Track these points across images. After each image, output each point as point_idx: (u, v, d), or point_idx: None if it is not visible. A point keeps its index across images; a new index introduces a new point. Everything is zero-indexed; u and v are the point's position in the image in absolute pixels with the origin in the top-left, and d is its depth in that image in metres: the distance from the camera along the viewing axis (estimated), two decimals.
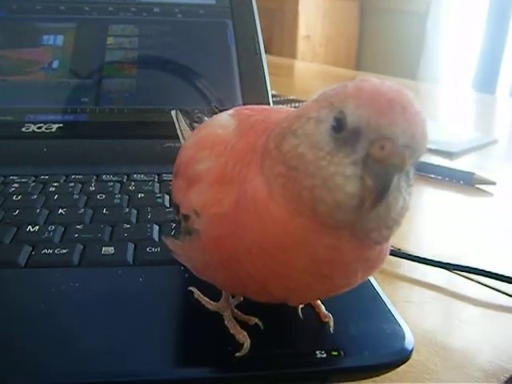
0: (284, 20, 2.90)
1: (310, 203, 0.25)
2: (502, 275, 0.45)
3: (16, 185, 0.50)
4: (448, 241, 0.54)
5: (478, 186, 0.68)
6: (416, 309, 0.42)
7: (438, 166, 0.71)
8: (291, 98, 1.02)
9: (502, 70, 2.58)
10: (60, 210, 0.46)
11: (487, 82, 2.56)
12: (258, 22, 0.68)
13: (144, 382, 0.30)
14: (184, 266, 0.35)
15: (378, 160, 0.24)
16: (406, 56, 2.81)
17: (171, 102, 0.61)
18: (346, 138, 0.24)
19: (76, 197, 0.48)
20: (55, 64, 0.63)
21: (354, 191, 0.24)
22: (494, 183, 0.67)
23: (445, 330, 0.40)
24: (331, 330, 0.33)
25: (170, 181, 0.51)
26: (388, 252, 0.29)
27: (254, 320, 0.33)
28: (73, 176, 0.53)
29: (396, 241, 0.48)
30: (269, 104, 0.63)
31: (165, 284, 0.37)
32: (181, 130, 0.45)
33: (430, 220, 0.59)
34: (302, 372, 0.31)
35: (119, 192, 0.50)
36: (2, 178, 0.52)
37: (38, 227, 0.43)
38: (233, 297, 0.35)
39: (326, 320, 0.33)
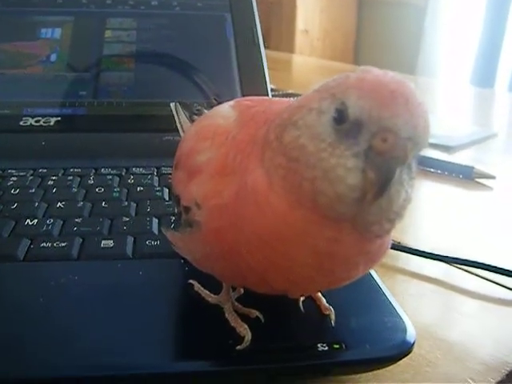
0: (282, 14, 2.89)
1: (311, 195, 0.25)
2: (501, 268, 0.45)
3: (14, 178, 0.50)
4: (447, 234, 0.54)
5: (477, 179, 0.67)
6: (416, 302, 0.42)
7: (438, 159, 0.70)
8: (289, 92, 1.02)
9: (500, 64, 2.58)
10: (59, 204, 0.46)
11: (485, 76, 2.56)
12: (256, 15, 0.67)
13: (144, 376, 0.30)
14: (184, 258, 0.34)
15: (380, 152, 0.23)
16: (404, 50, 2.81)
17: (170, 95, 0.60)
18: (348, 130, 0.24)
19: (74, 190, 0.48)
20: (53, 57, 0.63)
21: (355, 183, 0.24)
22: (493, 177, 0.67)
23: (445, 323, 0.40)
24: (332, 322, 0.33)
25: (169, 174, 0.51)
26: (389, 245, 0.29)
27: (255, 313, 0.33)
28: (71, 169, 0.53)
29: (396, 234, 0.48)
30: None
31: (164, 277, 0.37)
32: (180, 123, 0.44)
33: (429, 214, 0.59)
34: (304, 365, 0.31)
35: (118, 185, 0.50)
36: (0, 172, 0.52)
37: (36, 221, 0.43)
38: (233, 289, 0.34)
39: (327, 313, 0.33)
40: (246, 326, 0.31)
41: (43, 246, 0.40)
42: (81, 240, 0.41)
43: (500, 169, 0.70)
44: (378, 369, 0.32)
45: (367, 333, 0.32)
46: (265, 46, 0.66)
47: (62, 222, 0.43)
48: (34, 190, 0.48)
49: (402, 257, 0.48)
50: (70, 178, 0.51)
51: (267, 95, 0.63)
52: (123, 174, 0.53)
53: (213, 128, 0.32)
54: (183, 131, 0.43)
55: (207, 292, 0.35)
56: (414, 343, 0.32)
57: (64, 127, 0.59)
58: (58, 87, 0.61)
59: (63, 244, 0.40)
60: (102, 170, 0.53)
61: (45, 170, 0.52)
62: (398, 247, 0.48)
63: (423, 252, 0.47)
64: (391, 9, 2.97)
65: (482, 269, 0.46)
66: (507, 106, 1.24)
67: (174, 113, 0.46)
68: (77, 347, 0.30)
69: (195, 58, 0.65)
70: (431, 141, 0.77)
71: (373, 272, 0.38)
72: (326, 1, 2.98)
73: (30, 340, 0.31)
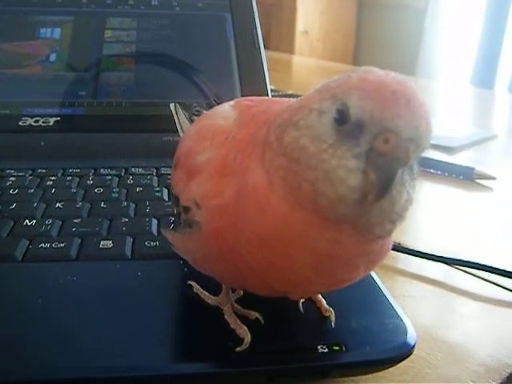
0: (282, 15, 2.89)
1: (311, 196, 0.24)
2: (502, 270, 0.45)
3: (13, 178, 0.50)
4: (448, 235, 0.53)
5: (477, 180, 0.67)
6: (416, 303, 0.42)
7: (438, 160, 0.70)
8: (289, 92, 1.02)
9: (500, 65, 2.58)
10: (57, 204, 0.45)
11: (485, 77, 2.56)
12: (257, 15, 0.67)
13: (144, 378, 0.29)
14: (183, 259, 0.34)
15: (382, 154, 0.23)
16: (404, 51, 2.81)
17: (169, 95, 0.60)
18: (349, 131, 0.24)
19: (73, 190, 0.48)
20: (53, 57, 0.63)
21: (356, 185, 0.23)
22: (493, 178, 0.66)
23: (445, 324, 0.40)
24: (332, 324, 0.33)
25: (169, 175, 0.51)
26: (390, 246, 0.29)
27: (255, 314, 0.33)
28: (70, 170, 0.53)
29: (396, 235, 0.48)
30: None
31: (164, 278, 0.37)
32: (180, 124, 0.44)
33: (429, 215, 0.59)
34: (304, 367, 0.30)
35: (117, 186, 0.50)
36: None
37: (35, 221, 0.43)
38: (233, 291, 0.34)
39: (328, 314, 0.33)
40: (245, 328, 0.31)
41: (42, 247, 0.39)
42: (79, 240, 0.41)
43: (500, 170, 0.70)
44: (379, 371, 0.32)
45: (367, 334, 0.32)
46: (265, 47, 0.66)
47: (60, 223, 0.43)
48: (32, 190, 0.48)
49: (402, 258, 0.48)
50: (69, 178, 0.51)
51: (267, 96, 0.63)
52: (122, 174, 0.52)
53: (212, 128, 0.32)
54: (183, 132, 0.43)
55: (206, 293, 0.35)
56: (414, 345, 0.32)
57: (63, 127, 0.59)
58: (57, 87, 0.61)
59: (62, 244, 0.40)
60: (101, 170, 0.53)
61: (44, 170, 0.52)
62: (399, 248, 0.48)
63: (423, 253, 0.47)
64: (391, 10, 2.97)
65: (483, 270, 0.46)
66: (507, 107, 1.24)
67: (174, 113, 0.46)
68: (75, 349, 0.30)
69: (195, 58, 0.65)
70: (431, 142, 0.78)
71: (373, 273, 0.38)
72: (326, 2, 2.98)
73: (29, 341, 0.31)
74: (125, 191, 0.49)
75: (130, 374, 0.29)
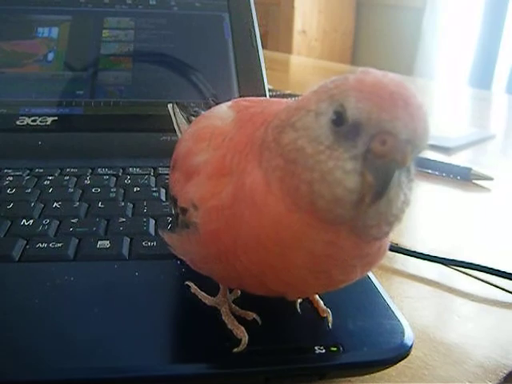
0: (280, 15, 2.89)
1: (308, 198, 0.24)
2: (499, 270, 0.45)
3: (10, 178, 0.50)
4: (445, 236, 0.54)
5: (475, 181, 0.67)
6: (414, 304, 0.42)
7: (435, 161, 0.70)
8: (287, 92, 1.02)
9: (498, 65, 2.58)
10: (55, 204, 0.45)
11: (483, 77, 2.56)
12: (254, 15, 0.67)
13: (140, 378, 0.29)
14: (181, 259, 0.34)
15: (379, 155, 0.23)
16: (402, 51, 2.81)
17: (167, 95, 0.60)
18: (347, 132, 0.24)
19: (71, 190, 0.48)
20: (50, 56, 0.63)
21: (353, 186, 0.23)
22: (491, 178, 0.66)
23: (443, 325, 0.40)
24: (330, 325, 0.33)
25: (166, 175, 0.51)
26: (387, 247, 0.29)
27: (252, 315, 0.33)
28: (67, 169, 0.53)
29: (393, 236, 0.48)
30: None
31: (161, 278, 0.37)
32: (177, 124, 0.44)
33: (427, 215, 0.59)
34: (301, 368, 0.30)
35: (115, 185, 0.50)
36: None
37: (32, 221, 0.42)
38: (230, 291, 0.34)
39: (325, 315, 0.33)
40: (242, 329, 0.31)
41: (39, 247, 0.39)
42: (77, 240, 0.40)
43: (497, 170, 0.70)
44: (376, 371, 0.32)
45: (365, 335, 0.32)
46: (262, 47, 0.66)
47: (58, 223, 0.43)
48: (30, 190, 0.47)
49: (399, 258, 0.48)
50: (67, 177, 0.50)
51: (265, 95, 0.63)
52: (120, 174, 0.52)
53: (210, 129, 0.32)
54: (180, 132, 0.43)
55: (204, 294, 0.35)
56: (411, 346, 0.32)
57: (61, 127, 0.58)
58: (54, 86, 0.61)
59: (59, 244, 0.40)
60: (99, 170, 0.53)
61: (41, 170, 0.52)
62: (396, 249, 0.48)
63: (421, 254, 0.47)
64: (389, 10, 2.97)
65: (480, 271, 0.46)
66: (505, 108, 1.24)
67: (172, 114, 0.45)
68: (73, 349, 0.30)
69: (193, 57, 0.64)
70: (429, 142, 0.78)
71: (370, 274, 0.38)
72: (323, 2, 2.98)
73: (26, 342, 0.30)
74: (122, 191, 0.48)
75: (127, 375, 0.29)
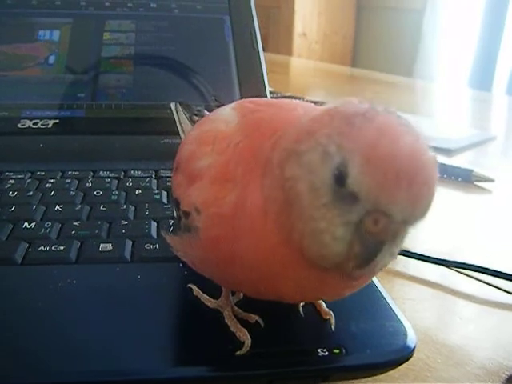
0: (280, 17, 2.90)
1: (298, 244, 0.25)
2: (501, 272, 0.45)
3: (12, 181, 0.50)
4: (446, 238, 0.54)
5: (476, 183, 0.67)
6: (415, 306, 0.42)
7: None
8: (287, 94, 1.02)
9: (498, 67, 2.58)
10: (57, 207, 0.45)
11: (483, 79, 2.56)
12: (255, 17, 0.67)
13: (143, 381, 0.29)
14: (183, 262, 0.34)
15: (370, 233, 0.23)
16: (403, 53, 2.81)
17: (168, 97, 0.60)
18: (345, 196, 0.23)
19: (73, 193, 0.48)
20: (51, 59, 0.63)
21: (339, 252, 0.24)
22: (492, 180, 0.66)
23: (445, 327, 0.40)
24: (332, 327, 0.33)
25: (168, 177, 0.51)
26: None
27: (255, 318, 0.32)
28: (69, 172, 0.52)
29: None
30: None
31: (163, 281, 0.37)
32: (180, 124, 0.44)
33: (428, 217, 0.59)
34: (304, 370, 0.30)
35: (116, 188, 0.50)
36: None
37: (34, 224, 0.42)
38: (233, 294, 0.34)
39: (327, 317, 0.33)
40: (245, 331, 0.31)
41: (41, 250, 0.39)
42: (79, 243, 0.40)
43: (499, 172, 0.70)
44: (379, 374, 0.32)
45: (368, 337, 0.32)
46: (263, 49, 0.66)
47: (60, 225, 0.43)
48: (31, 193, 0.47)
49: (400, 260, 0.48)
50: (68, 180, 0.50)
51: (266, 97, 0.63)
52: (121, 176, 0.52)
53: (214, 133, 0.32)
54: (183, 132, 0.43)
55: (206, 296, 0.34)
56: (414, 348, 0.32)
57: (62, 130, 0.58)
58: (56, 89, 0.61)
59: (61, 247, 0.40)
60: (101, 172, 0.53)
61: (43, 173, 0.52)
62: (399, 251, 0.48)
63: (422, 255, 0.47)
64: (389, 12, 2.98)
65: (482, 272, 0.46)
66: (505, 109, 1.24)
67: (174, 113, 0.45)
68: (74, 352, 0.30)
69: (194, 60, 0.65)
70: (430, 144, 0.78)
71: None
72: (324, 4, 2.99)
73: (28, 345, 0.30)
74: (124, 194, 0.48)
75: (130, 378, 0.29)
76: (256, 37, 0.66)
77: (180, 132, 0.44)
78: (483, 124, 1.05)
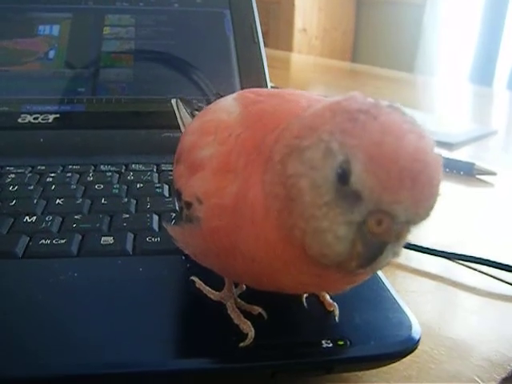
0: (280, 13, 2.89)
1: (300, 242, 0.24)
2: (503, 264, 0.45)
3: (12, 175, 0.50)
4: (449, 230, 0.53)
5: (478, 176, 0.67)
6: (418, 298, 0.42)
7: None
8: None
9: (499, 61, 2.58)
10: (57, 201, 0.45)
11: (484, 73, 2.56)
12: (256, 11, 0.67)
13: (146, 373, 0.29)
14: (185, 255, 0.34)
15: (373, 233, 0.23)
16: (403, 48, 2.81)
17: (169, 91, 0.60)
18: (348, 194, 0.23)
19: (73, 187, 0.48)
20: (51, 54, 0.62)
21: (341, 251, 0.23)
22: (494, 173, 0.66)
23: (448, 319, 0.40)
24: (336, 319, 0.33)
25: (169, 171, 0.51)
26: None
27: (258, 309, 0.32)
28: (70, 166, 0.52)
29: None
30: None
31: (165, 274, 0.37)
32: (181, 119, 0.44)
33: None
34: (308, 362, 0.30)
35: (117, 182, 0.50)
36: None
37: (35, 217, 0.42)
38: (236, 286, 0.34)
39: (331, 309, 0.33)
40: (249, 323, 0.31)
41: (42, 243, 0.39)
42: (80, 237, 0.40)
43: (500, 166, 0.70)
44: (383, 365, 0.32)
45: (372, 329, 0.32)
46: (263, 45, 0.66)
47: (61, 219, 0.42)
48: (32, 187, 0.47)
49: (403, 253, 0.47)
50: (69, 174, 0.50)
51: None
52: (122, 170, 0.52)
53: (215, 123, 0.32)
54: (184, 127, 0.43)
55: (209, 289, 0.34)
56: (419, 340, 0.32)
57: (62, 124, 0.58)
58: (56, 84, 0.61)
59: (62, 241, 0.39)
60: (101, 166, 0.53)
61: (43, 167, 0.52)
62: None
63: (425, 248, 0.47)
64: (389, 7, 2.97)
65: (484, 264, 0.46)
66: (506, 104, 1.24)
67: (175, 109, 0.45)
68: (76, 345, 0.30)
69: (194, 54, 0.64)
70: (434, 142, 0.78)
71: None
72: (324, 0, 2.98)
73: (29, 338, 0.30)
74: (125, 187, 0.48)
75: (133, 370, 0.29)
76: (257, 30, 0.65)
77: (181, 127, 0.44)
78: (484, 119, 1.05)
